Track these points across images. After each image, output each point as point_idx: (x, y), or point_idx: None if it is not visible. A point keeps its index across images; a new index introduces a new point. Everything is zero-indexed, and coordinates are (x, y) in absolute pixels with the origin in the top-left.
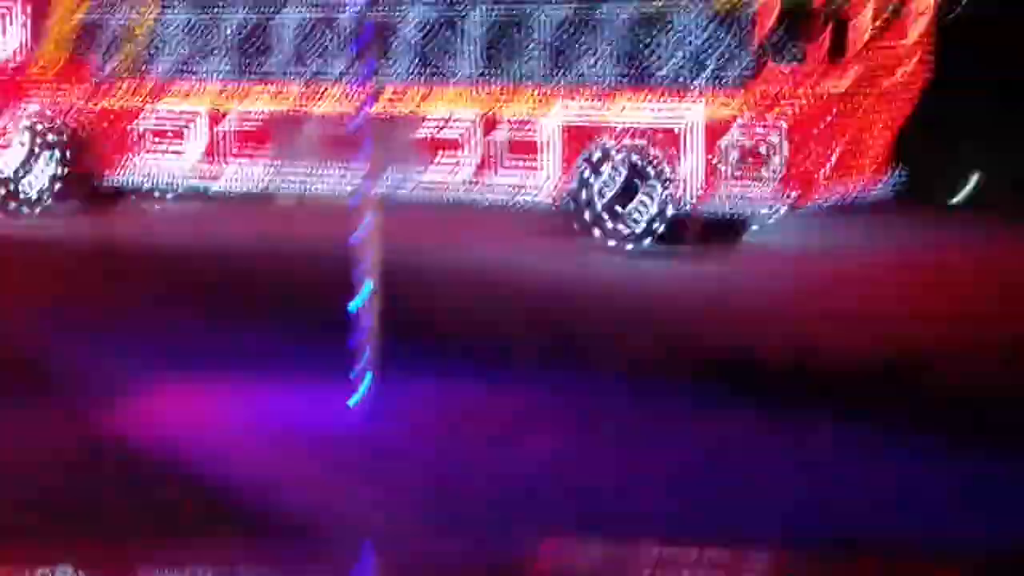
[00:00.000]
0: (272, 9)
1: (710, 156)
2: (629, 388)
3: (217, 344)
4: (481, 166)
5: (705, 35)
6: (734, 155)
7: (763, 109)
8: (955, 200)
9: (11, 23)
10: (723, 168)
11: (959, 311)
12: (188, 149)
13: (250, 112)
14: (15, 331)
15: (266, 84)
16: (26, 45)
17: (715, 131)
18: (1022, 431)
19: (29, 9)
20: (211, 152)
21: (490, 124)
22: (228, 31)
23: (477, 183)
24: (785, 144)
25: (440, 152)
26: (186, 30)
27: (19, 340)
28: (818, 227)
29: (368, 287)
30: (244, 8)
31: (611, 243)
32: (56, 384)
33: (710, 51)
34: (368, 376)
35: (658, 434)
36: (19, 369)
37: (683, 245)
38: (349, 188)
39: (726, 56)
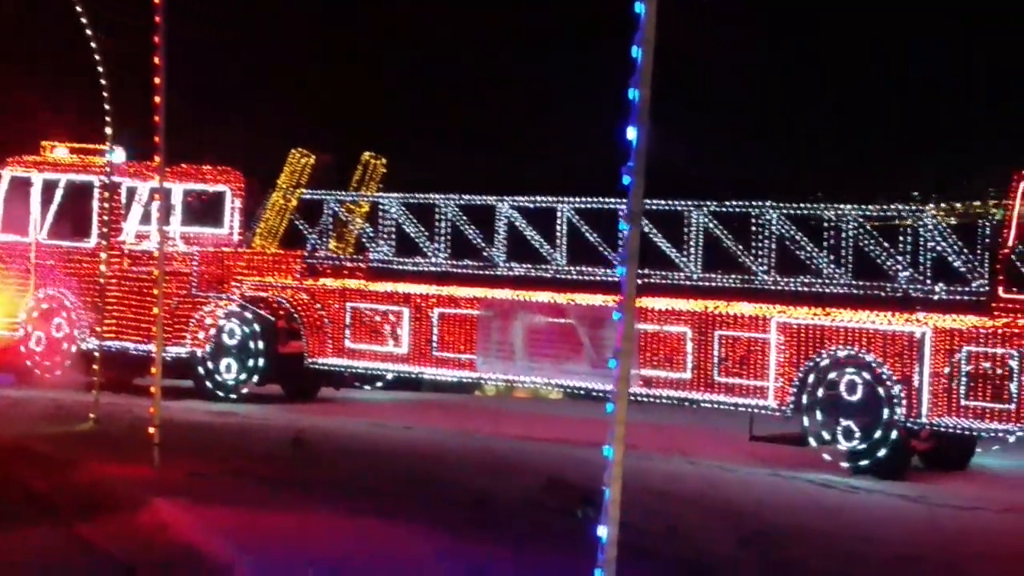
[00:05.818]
0: (487, 203)
1: (942, 373)
2: None
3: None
4: (702, 367)
5: (943, 245)
6: (968, 372)
7: (1002, 327)
8: None
9: (227, 204)
10: (955, 386)
11: None
12: (397, 337)
13: (461, 301)
14: None
15: (480, 275)
16: (240, 226)
17: (948, 346)
18: None
19: (244, 191)
20: (419, 341)
21: (711, 325)
22: (444, 221)
23: (698, 383)
24: None
25: (661, 350)
26: (402, 217)
27: None
28: None
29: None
30: (460, 199)
31: (828, 457)
32: None
33: (946, 263)
34: None
35: None
36: None
37: (907, 466)
38: (564, 383)
39: (963, 269)
